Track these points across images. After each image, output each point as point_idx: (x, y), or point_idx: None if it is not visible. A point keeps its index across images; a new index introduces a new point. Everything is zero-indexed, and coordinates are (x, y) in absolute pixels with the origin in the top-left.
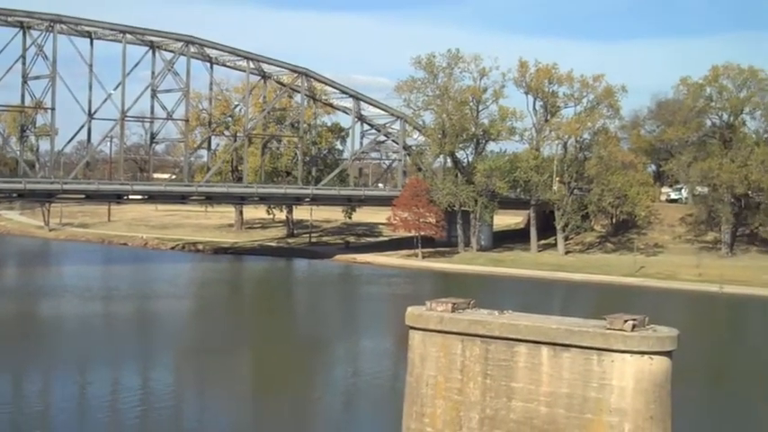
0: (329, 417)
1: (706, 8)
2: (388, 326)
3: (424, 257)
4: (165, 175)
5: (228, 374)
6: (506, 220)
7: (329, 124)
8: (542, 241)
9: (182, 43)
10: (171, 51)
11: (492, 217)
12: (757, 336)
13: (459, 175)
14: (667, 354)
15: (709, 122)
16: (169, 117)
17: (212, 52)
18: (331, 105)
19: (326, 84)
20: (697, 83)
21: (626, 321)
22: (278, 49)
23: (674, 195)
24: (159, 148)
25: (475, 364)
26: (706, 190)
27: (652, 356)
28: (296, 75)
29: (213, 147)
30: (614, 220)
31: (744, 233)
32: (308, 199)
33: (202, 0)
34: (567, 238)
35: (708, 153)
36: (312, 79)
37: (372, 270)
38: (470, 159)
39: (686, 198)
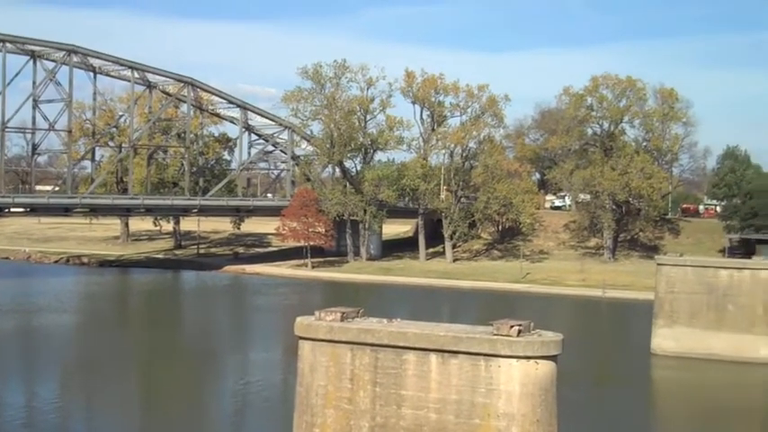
0: (219, 430)
1: (587, 19)
2: (277, 336)
3: (313, 267)
4: (48, 187)
5: (114, 390)
6: (395, 228)
7: (216, 134)
8: (431, 249)
9: (64, 52)
10: (53, 61)
11: (381, 226)
12: (636, 338)
13: (347, 184)
14: (552, 358)
15: (590, 131)
16: (51, 128)
17: (96, 62)
18: (218, 115)
19: (213, 93)
20: (578, 93)
21: (512, 327)
22: (163, 58)
23: (557, 203)
24: (41, 159)
25: (364, 372)
26: (588, 197)
27: (538, 361)
28: (182, 84)
29: (97, 158)
30: (500, 228)
31: (625, 239)
32: (195, 210)
33: (85, 9)
34: (454, 246)
35: (589, 161)
36: (198, 89)
37: (262, 281)
38: (359, 169)
39: (569, 205)
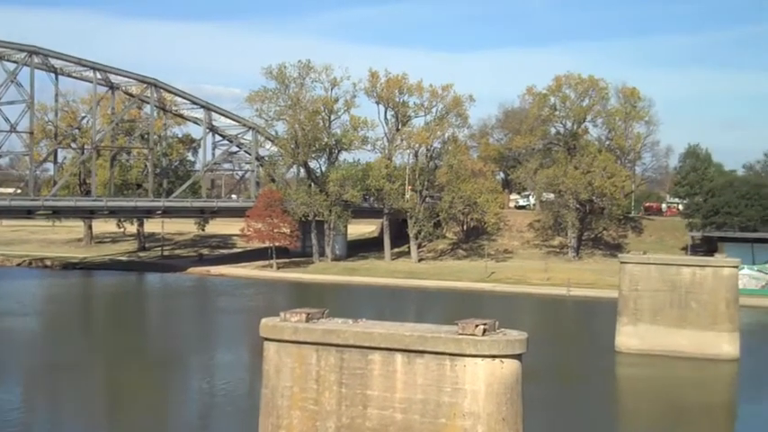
0: None
1: (549, 19)
2: (243, 338)
3: (278, 268)
4: (10, 190)
5: (79, 393)
6: (361, 228)
7: (180, 135)
8: (396, 249)
9: (25, 53)
10: (14, 62)
11: (346, 226)
12: (600, 336)
13: (312, 185)
14: (517, 356)
15: (553, 130)
16: (13, 130)
17: (57, 63)
18: (181, 116)
19: (176, 94)
20: (541, 92)
21: (477, 326)
22: (127, 59)
23: (522, 202)
24: (3, 161)
25: (330, 373)
26: (552, 196)
27: (503, 360)
28: (145, 85)
29: (60, 160)
30: (465, 227)
31: (589, 237)
32: (159, 211)
33: (46, 9)
34: (420, 246)
35: (553, 160)
36: (162, 90)
37: (227, 282)
38: (324, 169)
39: (534, 204)
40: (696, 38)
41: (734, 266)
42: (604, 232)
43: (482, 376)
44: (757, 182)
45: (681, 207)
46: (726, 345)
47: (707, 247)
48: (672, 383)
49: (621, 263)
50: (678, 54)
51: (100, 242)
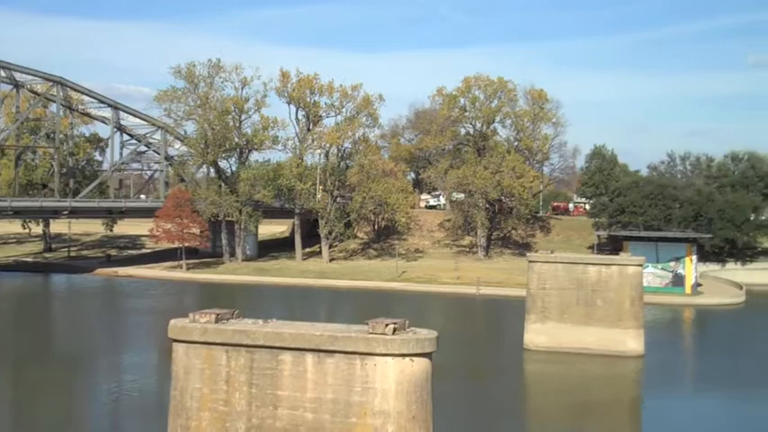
0: None
1: (456, 22)
2: (151, 339)
3: (188, 269)
4: None
5: None
6: (272, 229)
7: (87, 134)
8: (308, 249)
9: None
10: None
11: (257, 226)
12: (509, 334)
13: (222, 184)
14: (427, 355)
15: (463, 131)
16: None
17: None
18: (89, 115)
19: (83, 93)
20: (451, 93)
21: (387, 325)
22: (34, 57)
23: (432, 202)
24: None
25: (240, 374)
26: (462, 196)
27: (413, 358)
28: (51, 83)
29: None
30: (376, 227)
31: (498, 237)
32: (66, 212)
33: None
34: (331, 246)
35: (463, 161)
36: (68, 88)
37: (135, 283)
38: (234, 169)
39: (444, 204)
40: (602, 42)
41: (638, 265)
42: (513, 232)
43: (392, 375)
44: (661, 182)
45: (587, 207)
46: (631, 341)
47: (612, 245)
48: (578, 380)
49: (529, 262)
50: (584, 58)
51: (4, 243)
